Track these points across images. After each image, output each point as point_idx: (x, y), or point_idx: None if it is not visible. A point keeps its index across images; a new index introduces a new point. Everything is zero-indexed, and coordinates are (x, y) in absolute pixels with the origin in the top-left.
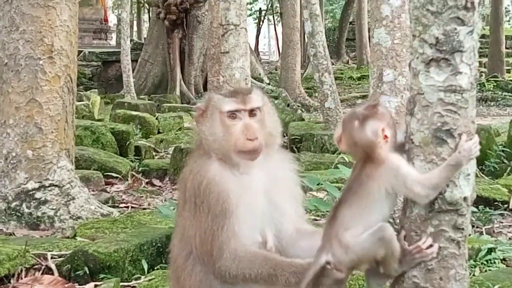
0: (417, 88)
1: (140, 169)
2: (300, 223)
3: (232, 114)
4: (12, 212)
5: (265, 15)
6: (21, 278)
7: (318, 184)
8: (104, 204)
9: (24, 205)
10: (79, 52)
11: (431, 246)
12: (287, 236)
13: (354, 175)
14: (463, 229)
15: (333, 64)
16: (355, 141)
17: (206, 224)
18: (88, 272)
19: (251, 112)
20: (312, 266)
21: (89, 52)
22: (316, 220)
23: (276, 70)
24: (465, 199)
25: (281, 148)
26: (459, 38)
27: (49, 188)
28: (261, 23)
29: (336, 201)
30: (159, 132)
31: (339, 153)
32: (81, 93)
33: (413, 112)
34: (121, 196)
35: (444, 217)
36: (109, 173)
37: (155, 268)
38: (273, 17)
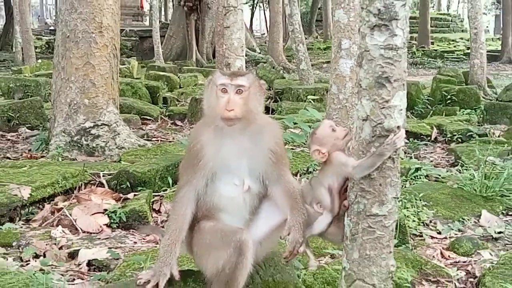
0: (364, 47)
1: (167, 113)
2: (273, 180)
3: (223, 88)
4: (75, 144)
5: (257, 2)
6: (81, 190)
7: (294, 124)
8: (141, 138)
9: (83, 139)
10: (122, 30)
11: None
12: (261, 187)
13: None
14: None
15: (306, 38)
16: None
17: (182, 167)
18: (129, 186)
19: (237, 89)
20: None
21: (129, 30)
22: (293, 149)
23: (265, 43)
24: (398, 127)
25: (270, 121)
26: (395, 9)
27: (101, 127)
28: (254, 8)
29: None
30: (180, 87)
31: (309, 99)
32: (124, 59)
33: (361, 64)
34: (153, 133)
35: (383, 140)
36: (144, 116)
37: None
38: (263, 3)
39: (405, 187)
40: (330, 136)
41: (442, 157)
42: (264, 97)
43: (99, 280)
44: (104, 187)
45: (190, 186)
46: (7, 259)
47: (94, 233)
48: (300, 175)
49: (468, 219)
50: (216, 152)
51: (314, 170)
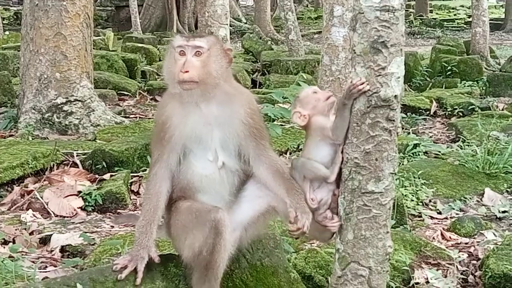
0: (358, 9)
1: (146, 88)
2: (253, 157)
3: (181, 50)
4: (46, 121)
5: None
6: (53, 171)
7: (284, 98)
8: (117, 114)
9: (55, 116)
10: None
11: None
12: (238, 163)
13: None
14: (393, 120)
15: (295, 6)
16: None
17: (153, 143)
18: (105, 166)
19: (196, 51)
20: None
21: None
22: (282, 125)
23: (251, 12)
24: (395, 96)
25: (241, 89)
26: None
27: (74, 102)
28: None
29: None
30: (160, 60)
31: (300, 74)
32: (99, 30)
33: (355, 28)
34: (131, 109)
35: (379, 111)
36: (121, 91)
37: None
38: None
39: (402, 164)
40: (312, 98)
41: (442, 132)
42: (230, 63)
43: (73, 267)
44: (78, 167)
45: (161, 162)
46: None
47: (67, 217)
48: (290, 153)
49: (470, 198)
50: (181, 122)
51: None
